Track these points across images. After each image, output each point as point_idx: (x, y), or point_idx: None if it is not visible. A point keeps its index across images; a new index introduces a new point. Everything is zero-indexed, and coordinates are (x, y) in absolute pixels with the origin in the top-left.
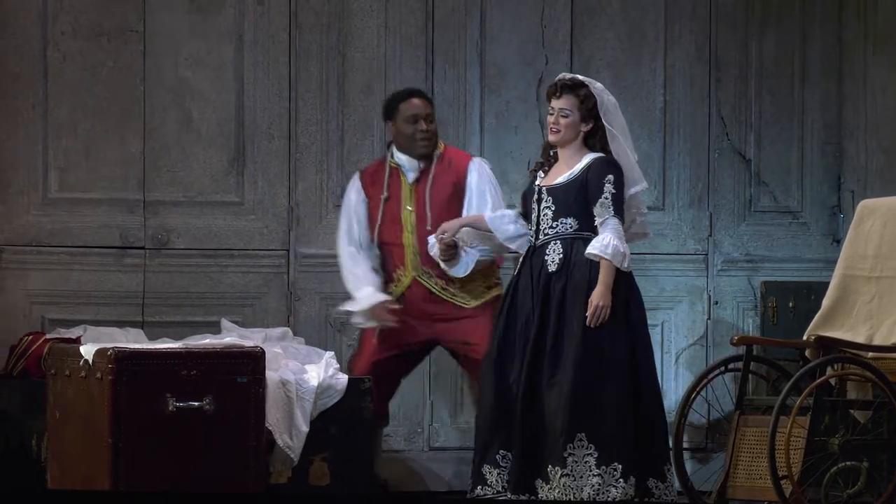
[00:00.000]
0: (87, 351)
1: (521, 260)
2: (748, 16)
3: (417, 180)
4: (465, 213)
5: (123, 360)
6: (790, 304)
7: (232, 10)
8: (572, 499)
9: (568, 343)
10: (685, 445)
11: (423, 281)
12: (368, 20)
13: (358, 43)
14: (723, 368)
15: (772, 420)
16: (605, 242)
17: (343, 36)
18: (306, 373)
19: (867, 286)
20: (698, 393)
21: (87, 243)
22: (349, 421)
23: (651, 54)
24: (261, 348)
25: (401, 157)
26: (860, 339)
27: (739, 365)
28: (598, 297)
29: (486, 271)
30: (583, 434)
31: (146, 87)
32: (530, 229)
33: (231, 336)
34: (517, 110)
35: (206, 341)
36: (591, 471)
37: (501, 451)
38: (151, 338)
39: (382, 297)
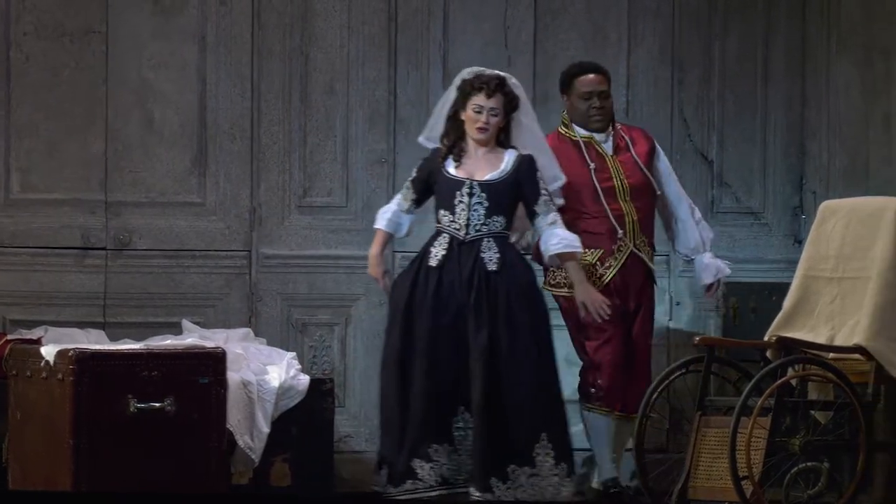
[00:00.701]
0: (49, 352)
1: (438, 252)
2: (711, 15)
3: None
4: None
5: (84, 361)
6: (751, 305)
7: (195, 11)
8: (539, 499)
9: (523, 345)
10: (646, 446)
11: (639, 251)
12: (331, 21)
13: (321, 43)
14: (684, 370)
15: (733, 421)
16: (569, 238)
17: (306, 36)
18: (268, 374)
19: (828, 287)
20: (660, 394)
21: (48, 244)
22: (310, 422)
23: (614, 55)
24: (222, 349)
25: (582, 132)
26: (821, 340)
27: (701, 366)
28: (589, 293)
29: None
30: (545, 434)
31: (108, 88)
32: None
33: (192, 337)
34: None
35: (167, 342)
36: (551, 471)
37: (434, 446)
38: (113, 339)
39: None
